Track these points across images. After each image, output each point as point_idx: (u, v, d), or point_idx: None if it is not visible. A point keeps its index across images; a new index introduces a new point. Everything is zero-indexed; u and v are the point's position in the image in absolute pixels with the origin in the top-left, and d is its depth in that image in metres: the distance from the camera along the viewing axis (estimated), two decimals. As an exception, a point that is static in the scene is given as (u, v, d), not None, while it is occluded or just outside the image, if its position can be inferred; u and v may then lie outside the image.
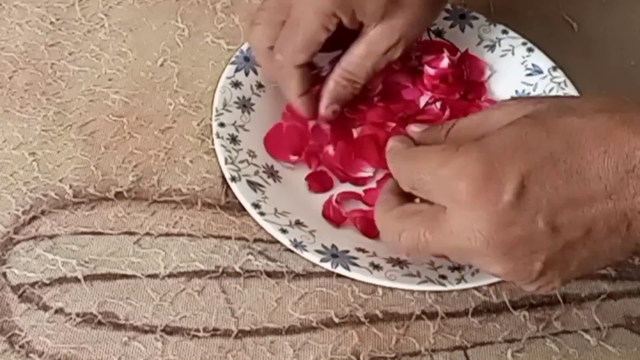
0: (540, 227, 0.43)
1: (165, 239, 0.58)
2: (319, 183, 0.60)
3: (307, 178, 0.60)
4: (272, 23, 0.58)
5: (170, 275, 0.56)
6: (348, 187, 0.60)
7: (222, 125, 0.59)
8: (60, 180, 0.60)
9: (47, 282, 0.56)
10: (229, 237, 0.58)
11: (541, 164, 0.43)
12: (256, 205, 0.55)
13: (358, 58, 0.58)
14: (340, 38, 0.58)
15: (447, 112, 0.62)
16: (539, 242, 0.43)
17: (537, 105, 0.46)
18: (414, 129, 0.53)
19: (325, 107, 0.60)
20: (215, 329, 0.54)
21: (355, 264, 0.53)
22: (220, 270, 0.57)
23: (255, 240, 0.58)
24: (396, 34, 0.57)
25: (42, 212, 0.59)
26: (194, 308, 0.55)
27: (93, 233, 0.58)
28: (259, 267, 0.57)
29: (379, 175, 0.60)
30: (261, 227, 0.55)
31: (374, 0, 0.55)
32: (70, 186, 0.60)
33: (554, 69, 0.64)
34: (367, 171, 0.60)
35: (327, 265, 0.53)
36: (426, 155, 0.47)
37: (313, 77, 0.60)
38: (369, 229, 0.57)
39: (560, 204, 0.43)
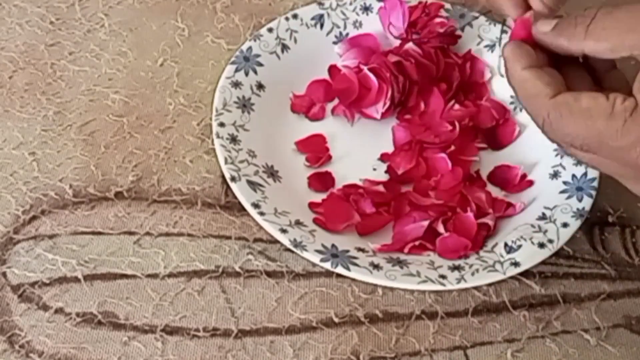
0: None
1: (165, 239, 0.58)
2: (320, 183, 0.60)
3: (310, 177, 0.60)
4: None
5: (170, 275, 0.56)
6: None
7: (222, 125, 0.60)
8: (60, 180, 0.60)
9: (47, 281, 0.56)
10: (229, 237, 0.58)
11: None
12: (256, 205, 0.55)
13: None
14: None
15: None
16: None
17: None
18: (542, 29, 0.47)
19: None
20: (215, 329, 0.54)
21: (355, 264, 0.53)
22: (220, 270, 0.57)
23: (255, 240, 0.58)
24: None
25: (42, 212, 0.59)
26: (194, 308, 0.55)
27: (93, 233, 0.58)
28: (259, 267, 0.57)
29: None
30: (261, 227, 0.55)
31: None
32: (70, 186, 0.60)
33: (554, 68, 0.64)
34: None
35: (327, 265, 0.53)
36: (592, 123, 0.43)
37: None
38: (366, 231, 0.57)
39: None
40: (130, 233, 0.58)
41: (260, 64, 0.64)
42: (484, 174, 0.61)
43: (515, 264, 0.54)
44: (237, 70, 0.63)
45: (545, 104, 0.44)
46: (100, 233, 0.58)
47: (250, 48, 0.64)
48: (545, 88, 0.45)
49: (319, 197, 0.59)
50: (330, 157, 0.61)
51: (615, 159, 0.43)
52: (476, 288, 0.56)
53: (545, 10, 0.49)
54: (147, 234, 0.58)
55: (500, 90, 0.65)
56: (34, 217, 0.58)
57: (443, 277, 0.53)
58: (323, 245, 0.54)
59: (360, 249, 0.55)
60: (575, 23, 0.45)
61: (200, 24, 0.71)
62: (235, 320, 0.55)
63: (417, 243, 0.56)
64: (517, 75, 0.46)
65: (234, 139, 0.59)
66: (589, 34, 0.44)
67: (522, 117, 0.64)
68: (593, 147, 0.43)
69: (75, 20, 0.70)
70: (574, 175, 0.59)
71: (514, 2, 0.50)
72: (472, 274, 0.53)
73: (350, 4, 0.68)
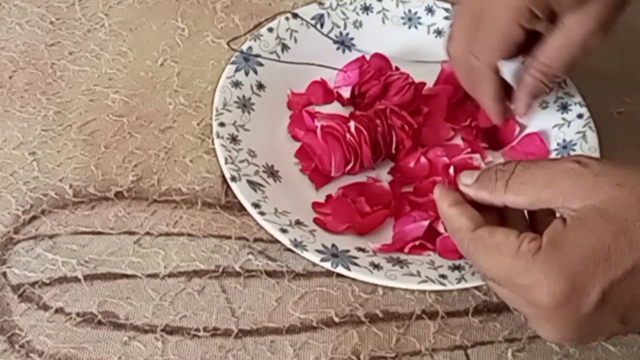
0: (612, 324, 0.44)
1: (165, 239, 0.58)
2: (322, 177, 0.59)
3: (310, 174, 0.60)
4: (467, 30, 0.57)
5: (170, 275, 0.56)
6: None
7: (222, 124, 0.60)
8: (60, 180, 0.60)
9: (47, 281, 0.56)
10: (229, 237, 0.58)
11: (623, 277, 0.43)
12: (256, 205, 0.55)
13: (555, 49, 0.56)
14: (525, 44, 0.57)
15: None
16: (608, 330, 0.45)
17: (615, 193, 0.43)
18: (465, 181, 0.49)
19: (524, 104, 0.59)
20: (215, 329, 0.54)
21: (355, 264, 0.53)
22: (221, 269, 0.57)
23: (255, 240, 0.58)
24: (594, 20, 0.54)
25: (42, 212, 0.59)
26: (194, 308, 0.55)
27: (93, 233, 0.58)
28: (259, 266, 0.57)
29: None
30: (261, 227, 0.55)
31: None
32: (70, 186, 0.60)
33: (554, 68, 0.64)
34: None
35: (327, 265, 0.53)
36: (500, 259, 0.45)
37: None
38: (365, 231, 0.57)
39: (635, 306, 0.43)
40: (131, 233, 0.58)
41: (260, 64, 0.64)
42: (484, 174, 0.61)
43: (516, 264, 0.54)
44: (237, 70, 0.63)
45: (466, 236, 0.47)
46: (100, 233, 0.58)
47: (250, 48, 0.64)
48: (467, 222, 0.47)
49: (319, 197, 0.59)
50: None
51: (521, 296, 0.45)
52: (476, 288, 0.56)
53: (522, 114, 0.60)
54: (147, 233, 0.58)
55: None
56: (34, 217, 0.58)
57: (443, 276, 0.53)
58: (323, 245, 0.54)
59: (360, 249, 0.55)
60: (496, 177, 0.47)
61: (200, 24, 0.71)
62: (236, 320, 0.55)
63: (417, 243, 0.56)
64: (445, 212, 0.49)
65: (234, 139, 0.59)
66: (509, 188, 0.46)
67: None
68: (502, 281, 0.45)
69: (75, 20, 0.70)
70: (574, 175, 0.59)
71: (497, 110, 0.59)
72: (473, 273, 0.53)
73: (350, 3, 0.68)
